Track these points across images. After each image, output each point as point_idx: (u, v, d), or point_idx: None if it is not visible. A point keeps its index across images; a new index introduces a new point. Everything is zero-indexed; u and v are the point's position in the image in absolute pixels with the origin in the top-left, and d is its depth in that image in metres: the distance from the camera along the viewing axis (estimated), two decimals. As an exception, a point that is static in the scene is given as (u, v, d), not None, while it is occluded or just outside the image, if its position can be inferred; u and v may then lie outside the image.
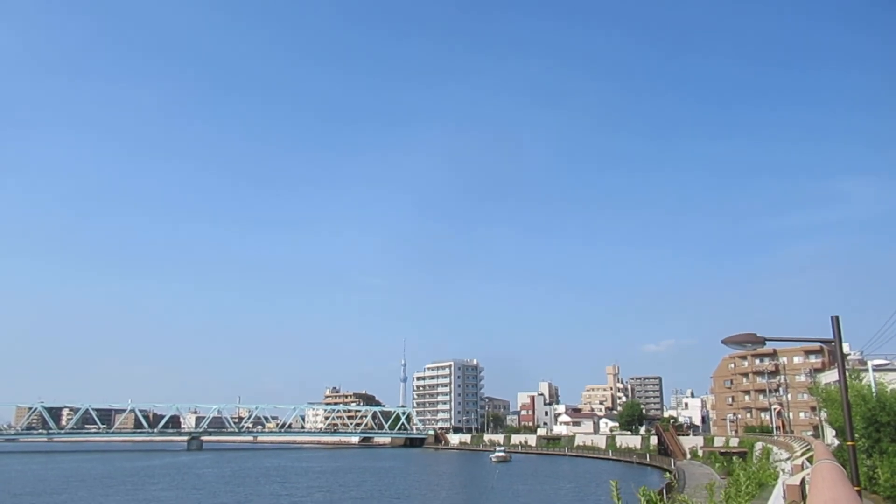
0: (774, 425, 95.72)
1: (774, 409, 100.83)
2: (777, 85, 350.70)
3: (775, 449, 45.83)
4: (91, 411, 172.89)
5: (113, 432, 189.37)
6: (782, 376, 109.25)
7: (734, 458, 54.22)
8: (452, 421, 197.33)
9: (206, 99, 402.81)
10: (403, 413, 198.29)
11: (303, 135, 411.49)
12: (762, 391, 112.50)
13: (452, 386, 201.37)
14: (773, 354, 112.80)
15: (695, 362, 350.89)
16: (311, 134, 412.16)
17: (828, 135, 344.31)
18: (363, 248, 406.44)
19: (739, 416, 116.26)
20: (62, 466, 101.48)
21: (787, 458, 26.04)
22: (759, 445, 62.34)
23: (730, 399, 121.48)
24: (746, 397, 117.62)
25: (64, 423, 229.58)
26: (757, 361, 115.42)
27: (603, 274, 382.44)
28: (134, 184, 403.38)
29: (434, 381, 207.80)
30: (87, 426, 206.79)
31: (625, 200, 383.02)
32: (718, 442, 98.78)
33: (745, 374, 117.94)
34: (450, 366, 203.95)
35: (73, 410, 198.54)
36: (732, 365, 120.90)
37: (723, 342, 11.97)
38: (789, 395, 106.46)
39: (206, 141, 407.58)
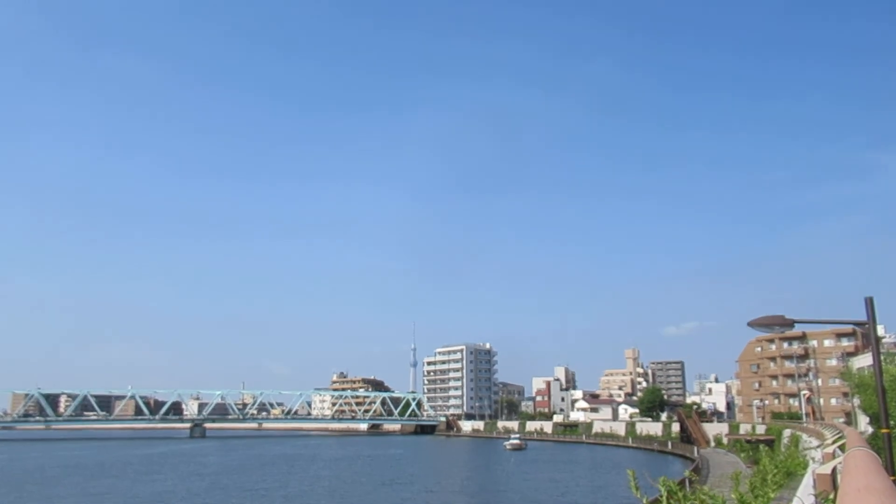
0: (804, 412, 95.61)
1: (804, 394, 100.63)
2: (787, 76, 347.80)
3: (805, 436, 45.77)
4: (90, 398, 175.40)
5: (113, 419, 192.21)
6: (812, 360, 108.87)
7: (761, 446, 54.27)
8: (465, 407, 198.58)
9: (194, 96, 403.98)
10: (414, 399, 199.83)
11: (299, 127, 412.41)
12: (791, 376, 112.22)
13: (464, 371, 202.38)
14: (803, 337, 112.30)
15: (719, 346, 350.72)
16: (307, 125, 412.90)
17: (858, 111, 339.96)
18: (371, 233, 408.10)
19: (766, 401, 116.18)
20: (61, 454, 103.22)
21: (818, 446, 25.98)
22: (787, 433, 62.27)
23: (756, 384, 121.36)
24: (774, 382, 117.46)
25: (62, 410, 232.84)
26: (785, 345, 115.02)
27: (620, 254, 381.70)
28: (130, 172, 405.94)
29: (445, 366, 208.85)
30: (85, 413, 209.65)
31: (641, 175, 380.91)
32: (744, 429, 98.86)
33: (773, 358, 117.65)
34: (462, 350, 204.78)
35: (72, 397, 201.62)
36: (759, 348, 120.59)
37: (749, 324, 11.90)
38: (820, 381, 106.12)
39: (200, 133, 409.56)
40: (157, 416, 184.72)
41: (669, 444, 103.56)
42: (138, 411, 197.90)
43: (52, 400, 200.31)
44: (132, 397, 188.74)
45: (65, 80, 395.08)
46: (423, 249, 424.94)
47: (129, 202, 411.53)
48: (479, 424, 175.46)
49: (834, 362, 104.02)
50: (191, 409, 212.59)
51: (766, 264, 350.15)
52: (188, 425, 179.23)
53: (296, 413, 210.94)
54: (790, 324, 11.65)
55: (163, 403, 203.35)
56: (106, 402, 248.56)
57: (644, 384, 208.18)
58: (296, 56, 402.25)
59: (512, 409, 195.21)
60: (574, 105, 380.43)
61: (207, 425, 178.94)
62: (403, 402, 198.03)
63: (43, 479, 65.91)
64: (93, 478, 66.53)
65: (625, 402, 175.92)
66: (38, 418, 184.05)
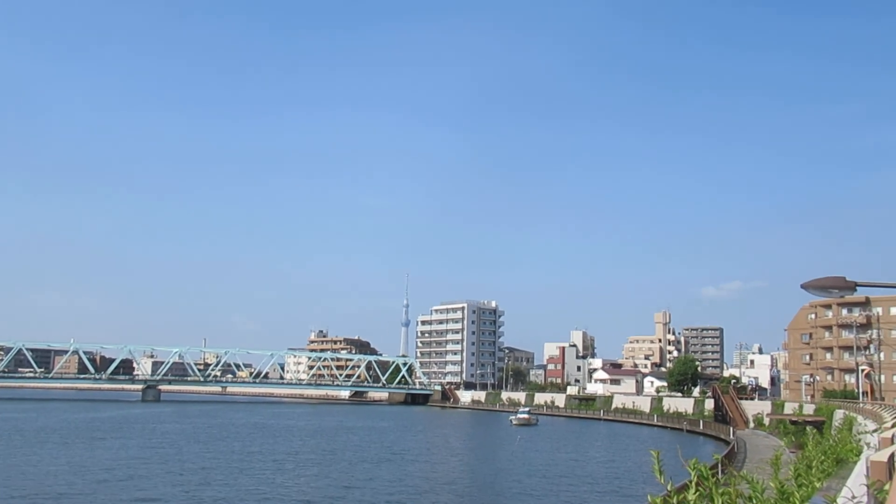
0: (861, 390, 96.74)
1: (862, 370, 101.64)
2: None
3: (860, 418, 46.55)
4: (25, 352, 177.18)
5: (52, 378, 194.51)
6: (875, 330, 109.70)
7: (808, 428, 55.13)
8: (464, 375, 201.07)
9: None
10: (404, 364, 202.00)
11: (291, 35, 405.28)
12: (849, 348, 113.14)
13: (465, 332, 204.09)
14: (866, 303, 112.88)
15: (765, 311, 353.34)
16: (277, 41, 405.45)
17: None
18: (361, 162, 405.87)
19: (818, 377, 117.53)
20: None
21: (875, 430, 26.43)
22: (839, 414, 63.31)
23: (807, 357, 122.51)
24: (828, 355, 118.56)
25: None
26: (844, 312, 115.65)
27: (649, 198, 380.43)
28: (75, 95, 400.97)
29: (443, 327, 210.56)
30: (20, 370, 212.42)
31: (680, 109, 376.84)
32: (789, 408, 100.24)
33: (829, 327, 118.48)
34: (462, 308, 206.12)
35: (3, 350, 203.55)
36: (813, 315, 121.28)
37: (802, 287, 11.95)
38: (882, 354, 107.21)
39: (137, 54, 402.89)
40: (103, 375, 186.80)
41: (701, 423, 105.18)
42: (82, 369, 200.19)
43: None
44: (75, 352, 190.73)
45: None
46: (419, 188, 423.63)
47: (70, 129, 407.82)
48: (481, 395, 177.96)
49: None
50: (143, 368, 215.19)
51: (826, 215, 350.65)
52: (140, 387, 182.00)
53: (266, 376, 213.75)
54: (851, 287, 11.67)
55: (111, 361, 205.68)
56: (44, 358, 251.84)
57: (675, 353, 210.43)
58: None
59: (519, 379, 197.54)
60: (635, 26, 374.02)
61: (162, 387, 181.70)
62: (392, 366, 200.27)
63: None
64: (36, 445, 67.69)
65: (651, 374, 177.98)
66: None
